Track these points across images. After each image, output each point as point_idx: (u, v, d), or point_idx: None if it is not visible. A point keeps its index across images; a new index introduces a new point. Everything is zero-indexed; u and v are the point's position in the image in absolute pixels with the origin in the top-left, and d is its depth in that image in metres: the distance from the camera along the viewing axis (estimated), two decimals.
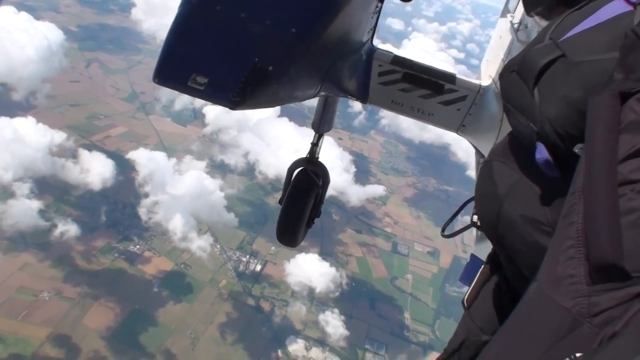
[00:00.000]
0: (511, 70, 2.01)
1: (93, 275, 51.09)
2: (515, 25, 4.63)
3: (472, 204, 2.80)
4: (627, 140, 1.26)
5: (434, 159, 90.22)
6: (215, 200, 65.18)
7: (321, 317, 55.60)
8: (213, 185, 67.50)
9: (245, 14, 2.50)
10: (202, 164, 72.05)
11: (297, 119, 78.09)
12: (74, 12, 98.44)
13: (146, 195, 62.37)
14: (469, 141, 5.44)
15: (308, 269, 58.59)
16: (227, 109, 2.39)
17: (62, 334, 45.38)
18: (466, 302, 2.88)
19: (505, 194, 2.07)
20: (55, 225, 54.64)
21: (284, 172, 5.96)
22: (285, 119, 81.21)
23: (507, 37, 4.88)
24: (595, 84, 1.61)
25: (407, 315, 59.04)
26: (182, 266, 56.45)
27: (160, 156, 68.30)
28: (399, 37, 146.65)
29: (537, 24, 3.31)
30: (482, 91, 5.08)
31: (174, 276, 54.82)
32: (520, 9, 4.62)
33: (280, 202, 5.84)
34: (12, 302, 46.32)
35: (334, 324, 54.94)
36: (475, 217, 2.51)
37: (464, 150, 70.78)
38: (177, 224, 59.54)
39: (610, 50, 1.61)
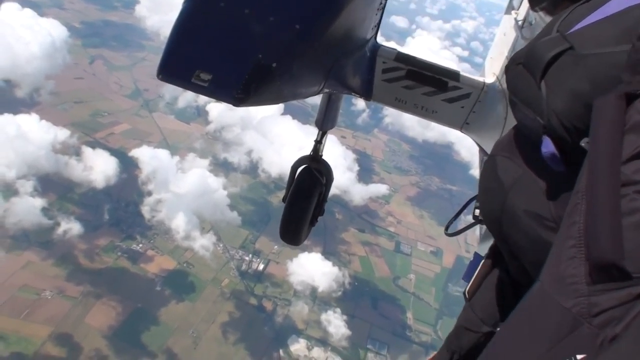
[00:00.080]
0: (517, 63, 2.00)
1: (95, 274, 51.14)
2: (520, 23, 4.61)
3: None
4: (632, 141, 1.25)
5: (438, 158, 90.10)
6: (218, 199, 65.21)
7: (323, 316, 55.64)
8: (216, 184, 67.57)
9: (249, 10, 2.51)
10: (205, 162, 72.08)
11: (300, 116, 78.08)
12: (78, 9, 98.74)
13: (149, 194, 62.50)
14: (473, 139, 5.41)
15: (310, 268, 58.58)
16: (230, 105, 2.39)
17: (64, 333, 45.43)
18: (468, 293, 2.90)
19: (509, 189, 2.06)
20: (58, 224, 54.68)
21: (287, 170, 5.91)
22: (288, 117, 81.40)
23: (512, 35, 4.85)
24: (603, 77, 1.61)
25: (409, 315, 59.03)
26: (184, 265, 56.49)
27: (163, 154, 68.33)
28: (402, 35, 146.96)
29: (541, 20, 3.29)
30: (486, 89, 5.05)
31: (177, 275, 54.87)
32: (525, 6, 4.60)
33: (283, 200, 5.82)
34: (15, 300, 46.39)
35: (336, 323, 54.97)
36: (477, 212, 2.50)
37: (467, 149, 70.96)
38: (180, 223, 59.58)
39: (619, 43, 1.60)
